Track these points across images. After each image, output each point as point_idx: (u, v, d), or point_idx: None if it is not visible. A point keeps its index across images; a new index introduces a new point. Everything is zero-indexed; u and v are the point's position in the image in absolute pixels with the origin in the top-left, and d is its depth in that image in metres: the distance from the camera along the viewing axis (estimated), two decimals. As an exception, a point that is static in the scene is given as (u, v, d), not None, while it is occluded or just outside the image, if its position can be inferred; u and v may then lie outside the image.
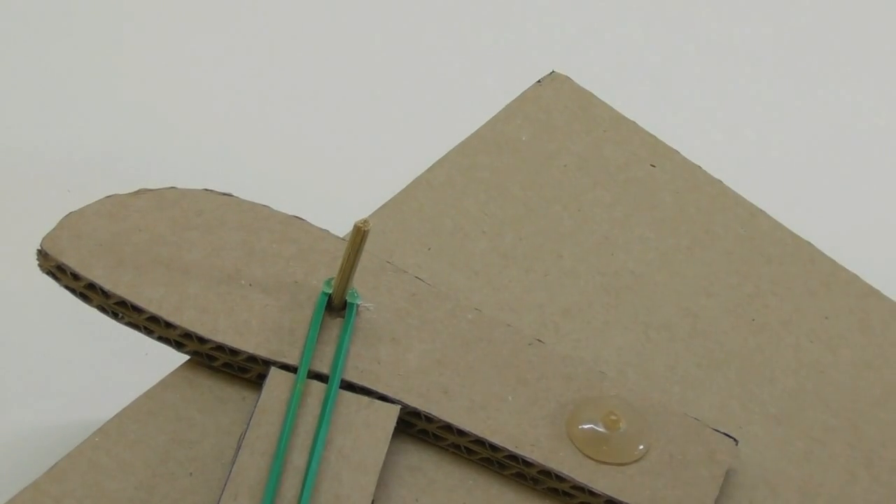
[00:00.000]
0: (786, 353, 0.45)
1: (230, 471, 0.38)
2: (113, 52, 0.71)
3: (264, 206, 0.44)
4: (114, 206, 0.43)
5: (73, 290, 0.41)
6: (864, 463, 0.42)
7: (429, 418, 0.40)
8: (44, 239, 0.41)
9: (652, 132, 0.50)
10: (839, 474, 0.42)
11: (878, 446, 0.43)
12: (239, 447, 0.38)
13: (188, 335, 0.41)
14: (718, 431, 0.41)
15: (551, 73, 0.51)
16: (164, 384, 0.41)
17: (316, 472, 0.38)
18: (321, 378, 0.40)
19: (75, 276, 0.41)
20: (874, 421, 0.44)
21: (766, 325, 0.45)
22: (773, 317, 0.46)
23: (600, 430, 0.40)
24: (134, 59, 0.71)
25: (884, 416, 0.44)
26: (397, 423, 0.40)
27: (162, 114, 0.68)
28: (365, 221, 0.39)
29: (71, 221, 0.42)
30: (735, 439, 0.41)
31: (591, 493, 0.39)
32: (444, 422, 0.40)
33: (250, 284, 0.42)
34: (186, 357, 0.41)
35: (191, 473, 0.39)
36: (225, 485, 0.37)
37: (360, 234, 0.39)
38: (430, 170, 0.48)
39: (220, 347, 0.40)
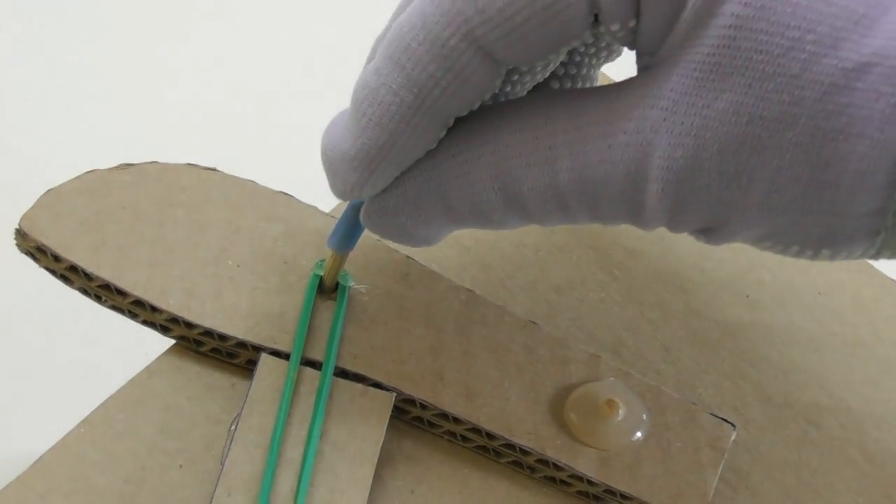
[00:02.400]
0: (780, 331, 0.44)
1: (223, 465, 0.37)
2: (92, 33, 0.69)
3: (250, 181, 0.42)
4: (94, 181, 0.41)
5: (53, 272, 0.40)
6: (857, 444, 0.42)
7: (424, 405, 0.39)
8: (22, 218, 0.40)
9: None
10: (834, 457, 0.42)
11: (871, 427, 0.43)
12: (230, 439, 0.37)
13: (175, 320, 0.39)
14: (717, 416, 0.40)
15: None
16: (150, 370, 0.39)
17: (312, 466, 0.37)
18: (313, 364, 0.39)
19: (56, 258, 0.39)
20: (868, 400, 0.43)
21: (760, 301, 0.45)
22: (767, 293, 0.45)
23: (598, 417, 0.39)
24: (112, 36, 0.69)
25: (877, 396, 0.43)
26: (391, 409, 0.39)
27: (142, 88, 0.66)
28: None
29: (50, 199, 0.40)
30: (733, 424, 0.40)
31: (590, 481, 0.39)
32: (439, 409, 0.39)
33: (238, 265, 0.40)
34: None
35: (180, 465, 0.38)
36: (218, 480, 0.36)
37: None
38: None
39: (209, 333, 0.39)
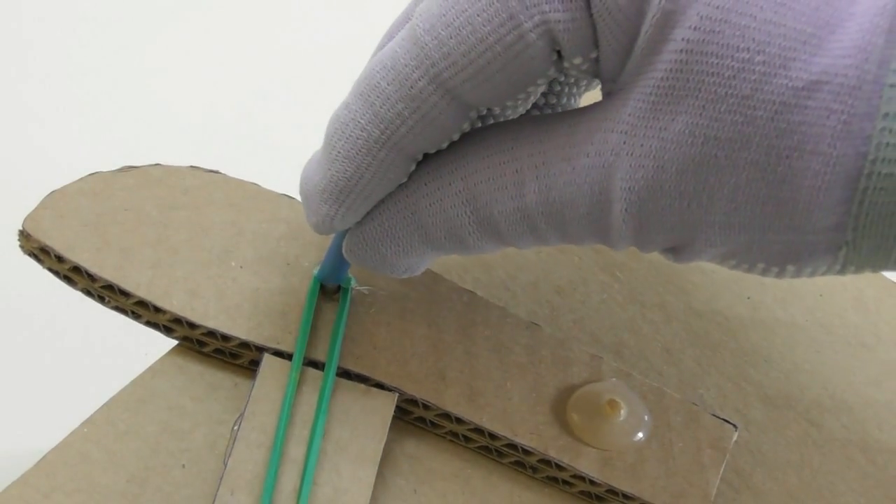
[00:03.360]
0: (781, 332, 0.44)
1: (226, 464, 0.37)
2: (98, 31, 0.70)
3: (252, 183, 0.43)
4: (97, 183, 0.41)
5: (56, 273, 0.40)
6: (859, 445, 0.42)
7: (426, 406, 0.39)
8: (26, 219, 0.40)
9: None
10: (836, 458, 0.42)
11: (873, 428, 0.43)
12: (234, 439, 0.37)
13: (178, 320, 0.39)
14: (718, 417, 0.40)
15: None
16: (153, 370, 0.39)
17: (315, 466, 0.37)
18: (316, 365, 0.39)
19: (59, 259, 0.40)
20: (869, 401, 0.43)
21: (762, 302, 0.45)
22: (769, 294, 0.45)
23: (600, 418, 0.39)
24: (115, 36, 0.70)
25: (879, 397, 0.43)
26: (394, 410, 0.39)
27: (146, 92, 0.66)
28: None
29: (54, 200, 0.41)
30: (735, 425, 0.40)
31: (592, 481, 0.39)
32: (441, 409, 0.39)
33: (241, 266, 0.41)
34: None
35: (183, 465, 0.38)
36: (221, 479, 0.36)
37: None
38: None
39: (212, 333, 0.39)
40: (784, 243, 0.32)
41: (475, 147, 0.35)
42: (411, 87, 0.33)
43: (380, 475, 0.38)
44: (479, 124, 0.37)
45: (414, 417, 0.40)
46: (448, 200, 0.35)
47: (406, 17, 0.36)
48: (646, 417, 0.40)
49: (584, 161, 0.33)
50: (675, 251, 0.34)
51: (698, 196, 0.31)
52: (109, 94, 0.66)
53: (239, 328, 0.39)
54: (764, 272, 0.33)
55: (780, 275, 0.33)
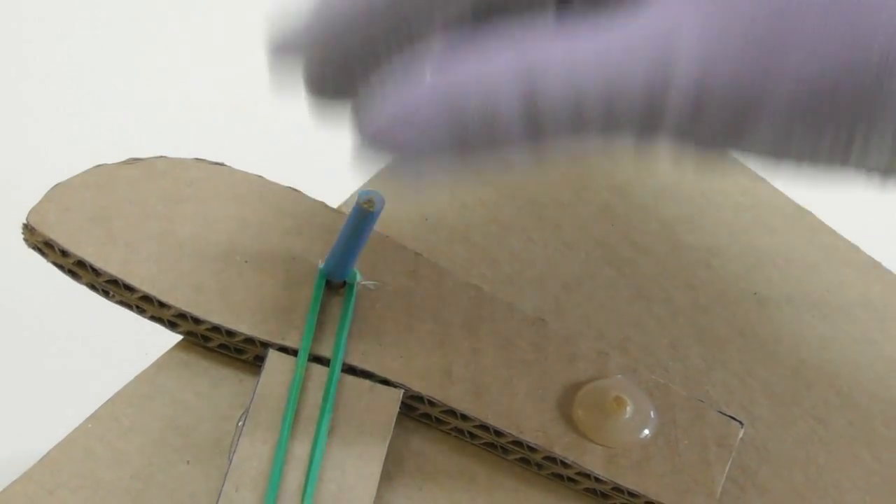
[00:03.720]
0: (788, 328, 0.44)
1: (230, 461, 0.37)
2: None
3: (258, 176, 0.42)
4: (102, 176, 0.41)
5: (61, 267, 0.40)
6: (865, 442, 0.42)
7: (431, 402, 0.39)
8: (30, 212, 0.40)
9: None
10: (842, 455, 0.42)
11: (879, 425, 0.43)
12: (238, 435, 0.37)
13: (182, 315, 0.39)
14: (725, 414, 0.40)
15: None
16: (157, 366, 0.39)
17: (320, 462, 0.37)
18: (321, 361, 0.39)
19: (64, 253, 0.39)
20: (876, 398, 0.43)
21: (769, 298, 0.45)
22: (775, 290, 0.45)
23: (606, 414, 0.39)
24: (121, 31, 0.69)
25: (885, 394, 0.43)
26: (399, 406, 0.39)
27: (149, 83, 0.66)
28: (370, 201, 0.37)
29: (58, 193, 0.40)
30: (741, 422, 0.40)
31: (597, 479, 0.39)
32: (447, 406, 0.39)
33: (245, 261, 0.40)
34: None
35: (188, 461, 0.38)
36: (226, 475, 0.36)
37: (362, 216, 0.38)
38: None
39: (216, 328, 0.39)
40: (856, 97, 0.30)
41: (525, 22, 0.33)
42: None
43: (385, 472, 0.38)
44: None
45: (419, 414, 0.39)
46: (494, 70, 0.31)
47: None
48: (652, 414, 0.39)
49: (644, 29, 0.31)
50: (731, 137, 0.31)
51: (768, 45, 0.30)
52: (112, 85, 0.66)
53: (244, 323, 0.39)
54: (832, 147, 0.31)
55: (845, 154, 0.31)
